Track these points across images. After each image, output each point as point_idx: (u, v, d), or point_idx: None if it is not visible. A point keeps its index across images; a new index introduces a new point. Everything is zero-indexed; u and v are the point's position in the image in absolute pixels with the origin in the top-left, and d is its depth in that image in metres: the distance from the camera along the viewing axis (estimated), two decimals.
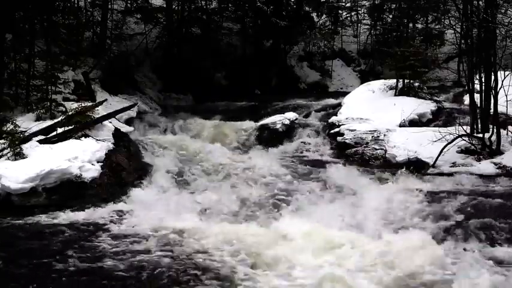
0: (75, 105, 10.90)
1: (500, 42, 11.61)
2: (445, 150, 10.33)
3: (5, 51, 12.06)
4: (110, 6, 19.39)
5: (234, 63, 21.52)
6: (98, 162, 9.43)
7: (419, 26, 24.11)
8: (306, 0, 24.26)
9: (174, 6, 21.20)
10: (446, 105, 14.26)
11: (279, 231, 7.36)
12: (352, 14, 28.12)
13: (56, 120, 10.55)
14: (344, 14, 27.61)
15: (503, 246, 6.84)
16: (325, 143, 12.68)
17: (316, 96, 19.00)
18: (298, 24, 23.25)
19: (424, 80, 15.21)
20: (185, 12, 21.67)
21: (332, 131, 12.78)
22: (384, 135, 11.79)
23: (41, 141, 9.79)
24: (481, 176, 9.62)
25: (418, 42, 16.35)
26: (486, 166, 9.93)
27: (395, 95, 14.61)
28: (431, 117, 13.23)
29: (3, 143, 9.28)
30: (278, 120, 13.51)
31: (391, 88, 14.93)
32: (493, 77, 10.70)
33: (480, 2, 11.42)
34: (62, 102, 11.76)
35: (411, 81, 14.61)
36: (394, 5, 24.71)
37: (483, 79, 10.99)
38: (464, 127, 10.79)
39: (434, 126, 12.37)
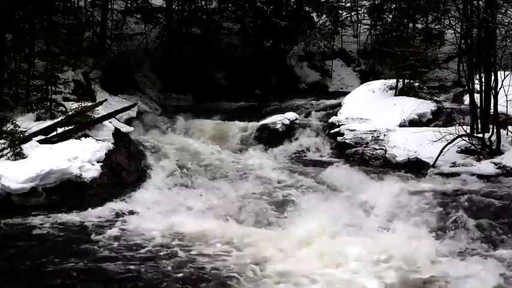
0: (75, 105, 10.90)
1: (500, 42, 11.61)
2: (445, 150, 10.34)
3: (5, 51, 12.05)
4: (110, 6, 19.39)
5: (234, 63, 21.53)
6: (98, 162, 9.42)
7: (419, 26, 24.11)
8: (306, 0, 24.26)
9: (174, 6, 21.20)
10: (446, 105, 14.26)
11: (279, 232, 7.36)
12: (352, 14, 28.12)
13: (56, 120, 10.55)
14: (344, 14, 27.61)
15: (503, 246, 6.83)
16: (325, 143, 12.68)
17: (316, 96, 19.00)
18: (298, 24, 23.25)
19: (424, 80, 15.22)
20: (185, 12, 21.67)
21: (332, 131, 12.79)
22: (384, 135, 11.80)
23: (41, 141, 9.78)
24: (481, 176, 9.63)
25: (418, 42, 16.35)
26: (486, 166, 9.93)
27: (395, 95, 14.62)
28: (431, 117, 13.24)
29: (3, 143, 9.28)
30: (278, 120, 13.51)
31: (391, 88, 14.94)
32: (493, 77, 10.70)
33: (480, 2, 11.42)
34: (62, 102, 11.75)
35: (411, 81, 14.61)
36: (394, 5, 24.71)
37: (483, 79, 10.99)
38: (464, 127, 10.79)
39: (434, 126, 12.38)
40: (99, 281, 5.92)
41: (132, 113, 14.32)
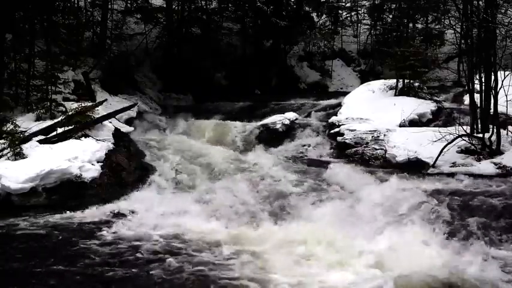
0: (75, 105, 10.91)
1: (500, 42, 11.60)
2: (445, 150, 10.33)
3: (5, 51, 12.06)
4: (110, 6, 19.39)
5: (234, 63, 21.53)
6: (98, 162, 9.43)
7: (419, 26, 24.12)
8: (306, 0, 24.27)
9: (174, 6, 21.20)
10: (446, 105, 14.25)
11: (279, 232, 7.35)
12: (352, 14, 28.14)
13: (56, 120, 10.56)
14: (344, 14, 27.63)
15: (503, 246, 6.84)
16: (325, 143, 12.68)
17: (316, 96, 19.00)
18: (298, 24, 23.26)
19: (424, 80, 15.21)
20: (185, 12, 21.67)
21: (332, 131, 12.78)
22: (384, 135, 11.80)
23: (41, 141, 9.79)
24: (481, 176, 9.62)
25: (418, 42, 16.35)
26: (486, 166, 9.93)
27: (395, 95, 14.61)
28: (431, 117, 13.23)
29: (3, 143, 9.28)
30: (278, 120, 13.51)
31: (391, 88, 14.93)
32: (493, 77, 10.70)
33: (480, 2, 11.41)
34: (62, 102, 11.76)
35: (411, 81, 14.61)
36: (394, 5, 24.72)
37: (483, 79, 10.99)
38: (464, 127, 10.79)
39: (434, 126, 12.37)
40: (98, 281, 5.92)
41: (132, 113, 14.32)
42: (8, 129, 9.61)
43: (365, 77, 22.80)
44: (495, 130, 10.52)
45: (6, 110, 11.24)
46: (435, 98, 14.44)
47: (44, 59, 12.71)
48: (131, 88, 17.39)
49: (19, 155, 9.10)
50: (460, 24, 13.65)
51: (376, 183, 9.40)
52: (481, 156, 10.33)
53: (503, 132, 10.68)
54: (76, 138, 10.04)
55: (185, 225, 7.59)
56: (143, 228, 7.53)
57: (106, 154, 9.78)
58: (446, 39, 22.22)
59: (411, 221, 7.65)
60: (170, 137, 13.11)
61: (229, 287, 5.84)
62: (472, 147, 10.55)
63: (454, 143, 10.45)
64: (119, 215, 8.17)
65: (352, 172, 10.13)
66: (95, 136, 10.32)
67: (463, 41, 13.79)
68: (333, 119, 13.32)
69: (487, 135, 10.60)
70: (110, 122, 11.30)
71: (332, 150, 12.29)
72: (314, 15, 25.73)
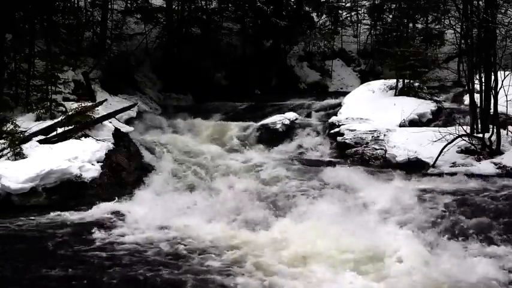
0: (75, 105, 10.91)
1: (500, 42, 11.60)
2: (445, 150, 10.33)
3: (5, 51, 12.06)
4: (110, 6, 19.38)
5: (234, 63, 21.52)
6: (98, 162, 9.44)
7: (419, 26, 24.10)
8: (306, 0, 24.26)
9: (174, 6, 21.19)
10: (446, 105, 14.25)
11: (280, 233, 7.34)
12: (352, 14, 28.11)
13: (56, 120, 10.56)
14: (344, 14, 27.60)
15: (503, 246, 6.83)
16: (325, 143, 12.68)
17: (316, 96, 18.98)
18: (298, 24, 23.25)
19: (424, 80, 15.21)
20: (185, 12, 21.66)
21: (332, 131, 12.78)
22: (384, 135, 11.80)
23: (41, 141, 9.79)
24: (481, 176, 9.62)
25: (418, 42, 16.34)
26: (486, 166, 9.93)
27: (395, 95, 14.61)
28: (431, 117, 13.23)
29: (3, 143, 9.29)
30: (278, 120, 13.51)
31: (391, 88, 14.93)
32: (493, 77, 10.70)
33: (480, 2, 11.42)
34: (62, 102, 11.76)
35: (411, 81, 14.61)
36: (394, 5, 24.70)
37: (483, 79, 10.99)
38: (464, 127, 10.79)
39: (434, 126, 12.37)
40: (98, 282, 5.92)
41: (132, 113, 14.31)
42: (8, 129, 9.61)
43: (365, 77, 22.78)
44: (495, 130, 10.52)
45: (6, 110, 11.25)
46: (435, 98, 14.44)
47: (44, 59, 12.71)
48: (131, 88, 17.39)
49: (19, 155, 9.10)
50: (460, 24, 13.65)
51: (376, 183, 9.40)
52: (481, 156, 10.34)
53: (503, 132, 10.68)
54: (76, 138, 10.04)
55: (185, 226, 7.58)
56: (143, 228, 7.52)
57: (106, 154, 9.79)
58: (446, 39, 22.20)
59: (410, 221, 7.65)
60: (170, 137, 13.08)
61: None
62: (472, 147, 10.56)
63: (454, 143, 10.45)
64: (119, 215, 8.15)
65: (352, 172, 10.14)
66: (95, 136, 10.32)
67: (463, 41, 13.80)
68: (333, 119, 13.32)
69: (487, 135, 10.61)
70: (110, 122, 11.30)
71: (332, 150, 12.28)
72: (314, 15, 25.70)
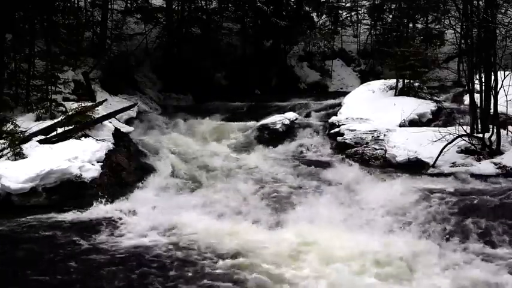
0: (75, 105, 10.91)
1: (500, 42, 11.60)
2: (445, 150, 10.33)
3: (5, 51, 12.06)
4: (110, 6, 19.39)
5: (234, 63, 21.53)
6: (98, 162, 9.42)
7: (419, 26, 24.10)
8: (306, 0, 24.26)
9: (174, 6, 21.20)
10: (446, 105, 14.24)
11: (280, 234, 7.34)
12: (352, 14, 28.12)
13: (56, 120, 10.55)
14: (344, 14, 27.61)
15: (503, 246, 6.83)
16: (325, 143, 12.68)
17: (316, 96, 19.01)
18: (298, 24, 23.25)
19: (424, 80, 15.21)
20: (185, 12, 21.67)
21: (332, 131, 12.78)
22: (384, 135, 11.80)
23: (41, 141, 9.79)
24: (481, 176, 9.63)
25: (418, 42, 16.34)
26: (486, 166, 9.94)
27: (395, 95, 14.61)
28: (431, 117, 13.23)
29: (3, 143, 9.28)
30: (278, 120, 13.51)
31: (391, 88, 14.94)
32: (493, 77, 10.70)
33: (480, 2, 11.41)
34: (62, 102, 11.76)
35: (411, 81, 14.61)
36: (394, 5, 24.71)
37: (483, 79, 10.99)
38: (464, 127, 10.79)
39: (434, 126, 12.37)
40: (98, 282, 5.92)
41: (132, 113, 14.32)
42: (8, 129, 9.60)
43: (365, 77, 22.78)
44: (495, 130, 10.52)
45: (6, 110, 11.24)
46: (435, 98, 14.44)
47: (44, 59, 12.70)
48: (131, 88, 17.40)
49: (19, 155, 9.09)
50: (460, 24, 13.65)
51: (376, 183, 9.40)
52: (481, 156, 10.34)
53: (503, 132, 10.68)
54: (76, 138, 10.03)
55: (185, 226, 7.57)
56: (143, 228, 7.51)
57: (106, 154, 9.77)
58: (446, 39, 22.21)
59: (410, 221, 7.65)
60: (170, 137, 13.09)
61: None
62: (472, 147, 10.56)
63: (454, 143, 10.45)
64: (119, 215, 8.14)
65: (352, 172, 10.14)
66: (95, 136, 10.31)
67: (463, 41, 13.79)
68: (333, 119, 13.32)
69: (487, 135, 10.61)
70: (110, 122, 11.29)
71: (332, 150, 12.29)
72: (314, 15, 25.71)
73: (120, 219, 7.96)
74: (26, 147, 9.32)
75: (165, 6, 21.01)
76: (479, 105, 11.16)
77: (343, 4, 27.12)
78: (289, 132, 13.31)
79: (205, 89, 19.27)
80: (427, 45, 19.36)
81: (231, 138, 13.38)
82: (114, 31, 19.33)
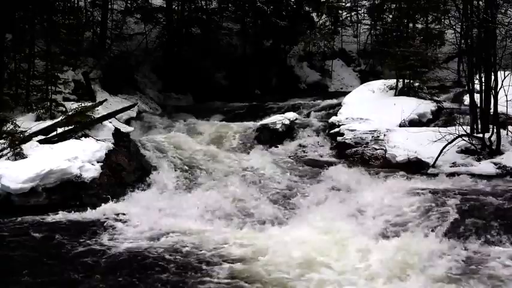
0: (75, 105, 10.91)
1: (500, 42, 11.60)
2: (445, 150, 10.34)
3: (5, 51, 12.05)
4: (110, 6, 19.40)
5: (234, 63, 21.53)
6: (98, 162, 9.42)
7: (419, 26, 24.09)
8: (306, 0, 24.27)
9: (174, 6, 21.22)
10: (446, 105, 14.25)
11: (281, 234, 7.34)
12: (352, 14, 28.13)
13: (56, 120, 10.55)
14: (344, 14, 27.61)
15: (503, 246, 6.83)
16: (325, 143, 12.68)
17: (316, 96, 19.02)
18: (298, 24, 23.25)
19: (424, 80, 15.20)
20: (185, 12, 21.69)
21: (332, 131, 12.78)
22: (384, 135, 11.80)
23: (41, 141, 9.78)
24: (481, 176, 9.63)
25: (418, 42, 16.34)
26: (486, 166, 9.94)
27: (395, 95, 14.62)
28: (431, 117, 13.24)
29: (3, 143, 9.28)
30: (278, 120, 13.51)
31: (391, 88, 14.94)
32: (493, 77, 10.70)
33: (480, 2, 11.42)
34: (62, 102, 11.75)
35: (411, 81, 14.61)
36: (394, 5, 24.70)
37: (483, 79, 10.99)
38: (464, 127, 10.79)
39: (434, 126, 12.37)
40: (97, 283, 5.91)
41: (132, 113, 14.32)
42: (8, 129, 9.60)
43: (365, 77, 22.78)
44: (495, 130, 10.52)
45: (6, 110, 11.23)
46: (435, 98, 14.44)
47: (44, 59, 12.70)
48: (131, 88, 17.41)
49: (19, 155, 9.09)
50: (460, 24, 13.65)
51: (376, 183, 9.40)
52: (481, 156, 10.34)
53: (503, 132, 10.68)
54: (76, 138, 10.02)
55: (185, 226, 7.56)
56: (143, 229, 7.50)
57: (106, 154, 9.76)
58: (446, 39, 22.20)
59: (410, 221, 7.65)
60: (170, 137, 13.08)
61: None
62: (472, 147, 10.56)
63: (454, 143, 10.45)
64: (119, 215, 8.13)
65: (352, 172, 10.14)
66: (95, 136, 10.31)
67: (463, 41, 13.79)
68: (333, 119, 13.32)
69: (487, 135, 10.61)
70: (110, 122, 11.29)
71: (332, 150, 12.29)
72: (314, 15, 25.70)
73: (120, 219, 7.95)
74: (26, 147, 9.31)
75: (165, 6, 21.02)
76: (479, 105, 11.17)
77: (343, 4, 27.13)
78: (289, 132, 13.30)
79: (205, 89, 19.29)
80: (427, 45, 19.33)
81: (231, 138, 13.37)
82: (114, 31, 19.34)
